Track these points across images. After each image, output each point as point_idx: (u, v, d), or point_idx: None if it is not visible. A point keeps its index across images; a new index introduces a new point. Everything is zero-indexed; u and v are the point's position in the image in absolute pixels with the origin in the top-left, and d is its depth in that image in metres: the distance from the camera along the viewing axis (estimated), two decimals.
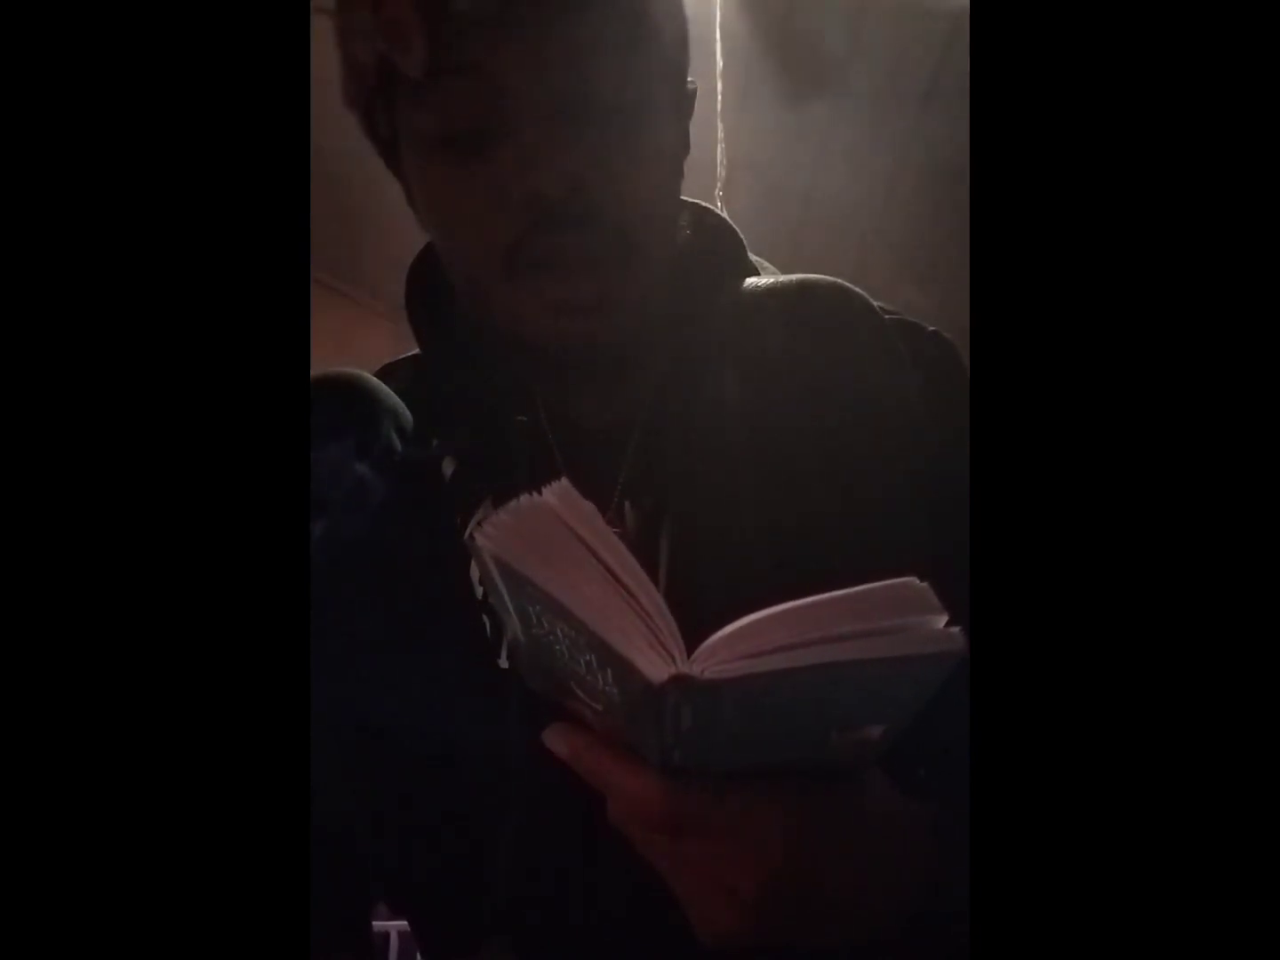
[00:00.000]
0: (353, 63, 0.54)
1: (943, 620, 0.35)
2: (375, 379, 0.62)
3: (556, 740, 0.41)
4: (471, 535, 0.37)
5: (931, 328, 0.63)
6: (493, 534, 0.36)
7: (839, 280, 0.63)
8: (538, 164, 0.50)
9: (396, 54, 0.50)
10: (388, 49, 0.50)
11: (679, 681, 0.33)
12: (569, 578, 0.35)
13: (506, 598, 0.39)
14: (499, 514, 0.36)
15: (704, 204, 0.66)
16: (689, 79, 0.60)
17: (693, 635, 0.34)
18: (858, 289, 0.63)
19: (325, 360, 0.58)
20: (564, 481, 0.36)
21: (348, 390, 0.59)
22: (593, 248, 0.52)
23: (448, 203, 0.54)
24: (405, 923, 0.63)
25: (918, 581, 0.35)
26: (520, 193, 0.51)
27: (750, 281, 0.63)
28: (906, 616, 0.35)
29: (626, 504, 0.58)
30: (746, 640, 0.34)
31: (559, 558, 0.35)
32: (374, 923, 0.67)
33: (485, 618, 0.56)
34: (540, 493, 0.36)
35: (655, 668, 0.34)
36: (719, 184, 1.81)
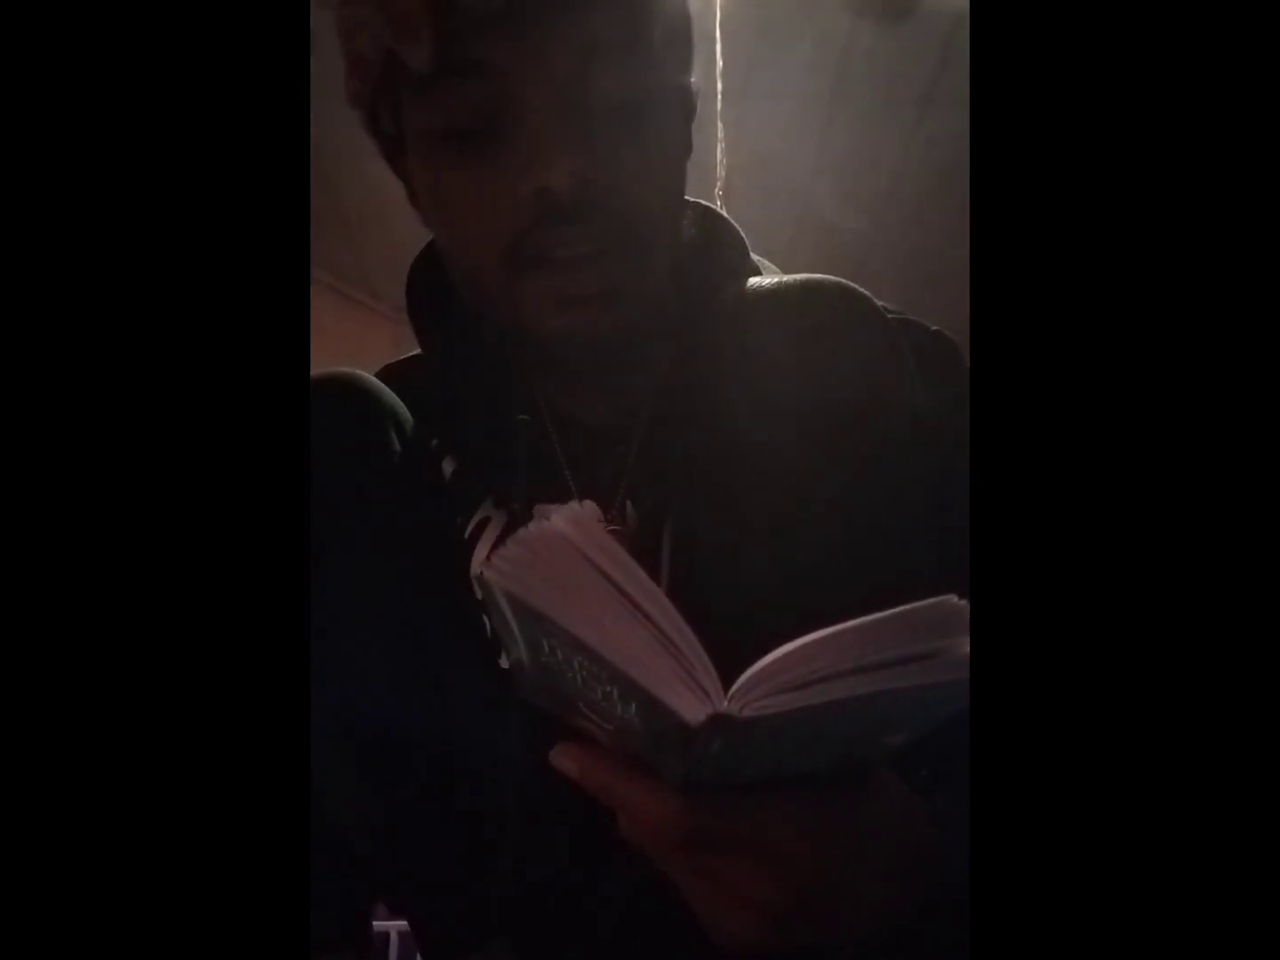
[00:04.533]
0: (358, 58, 0.54)
1: None
2: (375, 379, 0.62)
3: (564, 760, 0.40)
4: (480, 573, 0.35)
5: (934, 327, 0.63)
6: (504, 568, 0.34)
7: (842, 280, 0.63)
8: (543, 160, 0.50)
9: (403, 48, 0.50)
10: (394, 43, 0.50)
11: (717, 720, 0.32)
12: (591, 614, 0.33)
13: (516, 630, 0.37)
14: (508, 546, 0.34)
15: (706, 204, 0.66)
16: (692, 79, 0.60)
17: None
18: (860, 288, 0.63)
19: (325, 360, 0.58)
20: (574, 505, 0.34)
21: (348, 390, 0.59)
22: (597, 241, 0.52)
23: (452, 199, 0.54)
24: (405, 923, 0.63)
25: (956, 599, 0.34)
26: (525, 188, 0.51)
27: (753, 281, 0.63)
28: (947, 638, 0.33)
29: (629, 504, 0.58)
30: (787, 672, 0.32)
31: (578, 592, 0.33)
32: (374, 923, 0.67)
33: (485, 618, 0.56)
34: (549, 519, 0.34)
35: (690, 707, 0.32)
36: (719, 184, 1.81)
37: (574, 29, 0.50)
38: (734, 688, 0.32)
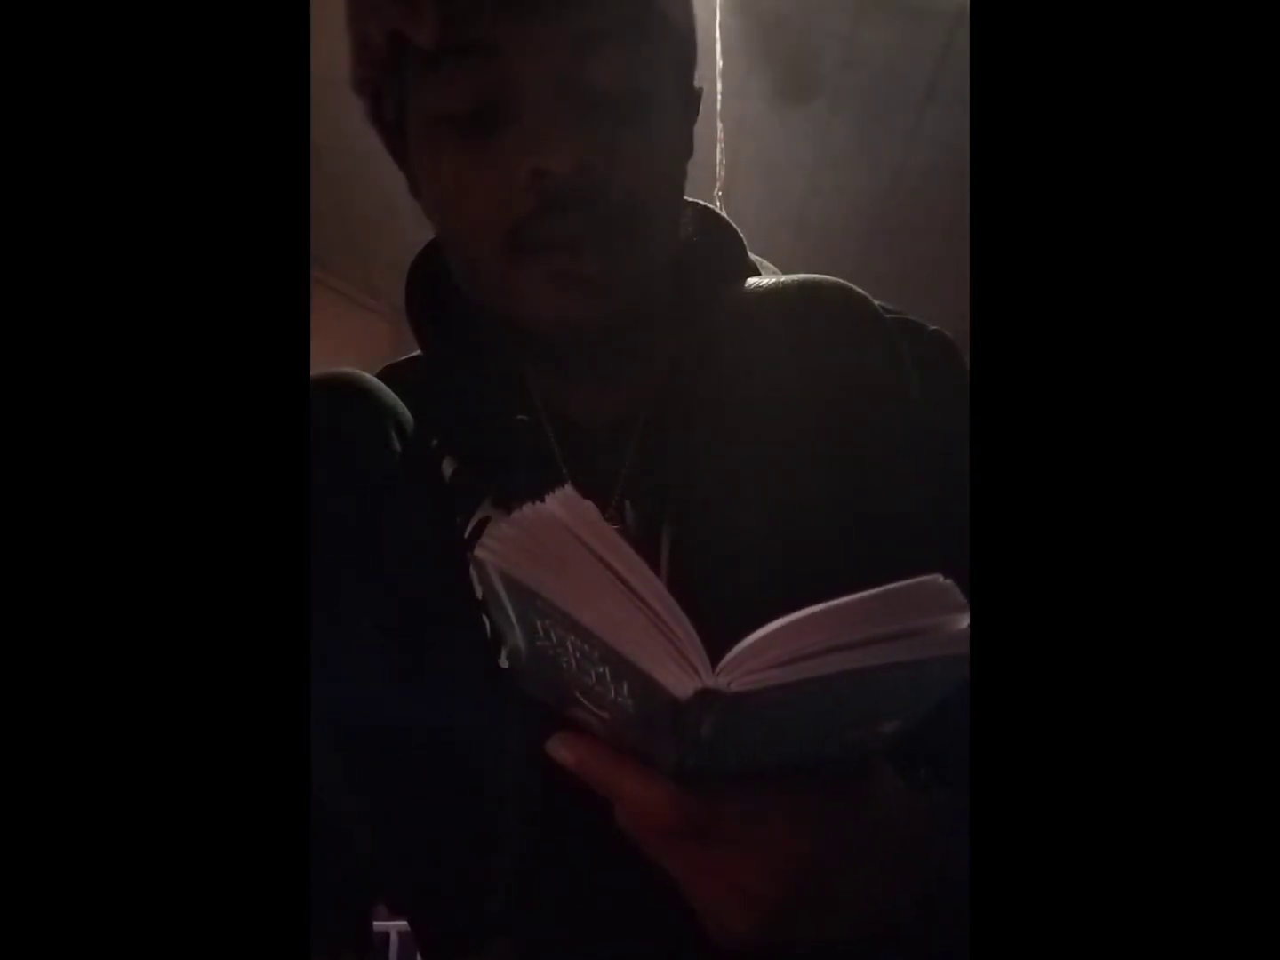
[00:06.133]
0: (363, 42, 0.54)
1: (966, 618, 0.34)
2: (375, 379, 0.62)
3: (561, 750, 0.40)
4: (474, 552, 0.36)
5: (933, 326, 0.63)
6: (497, 548, 0.35)
7: (840, 280, 0.63)
8: (542, 143, 0.51)
9: (408, 25, 0.50)
10: (400, 21, 0.51)
11: (705, 695, 0.32)
12: (582, 591, 0.34)
13: (510, 611, 0.38)
14: (502, 526, 0.35)
15: (705, 204, 0.66)
16: (695, 81, 0.60)
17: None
18: (859, 288, 0.63)
19: (325, 360, 0.58)
20: (568, 488, 0.35)
21: (348, 390, 0.59)
22: (596, 226, 0.52)
23: (452, 184, 0.54)
24: (405, 923, 0.63)
25: (941, 579, 0.34)
26: (523, 171, 0.51)
27: (751, 281, 0.63)
28: (932, 616, 0.34)
29: (627, 503, 0.58)
30: (774, 648, 0.33)
31: (570, 570, 0.34)
32: (374, 923, 0.67)
33: (485, 617, 0.56)
34: (543, 501, 0.35)
35: (679, 682, 0.32)
36: (718, 184, 1.81)
37: (574, 16, 0.51)
38: (721, 663, 0.33)
